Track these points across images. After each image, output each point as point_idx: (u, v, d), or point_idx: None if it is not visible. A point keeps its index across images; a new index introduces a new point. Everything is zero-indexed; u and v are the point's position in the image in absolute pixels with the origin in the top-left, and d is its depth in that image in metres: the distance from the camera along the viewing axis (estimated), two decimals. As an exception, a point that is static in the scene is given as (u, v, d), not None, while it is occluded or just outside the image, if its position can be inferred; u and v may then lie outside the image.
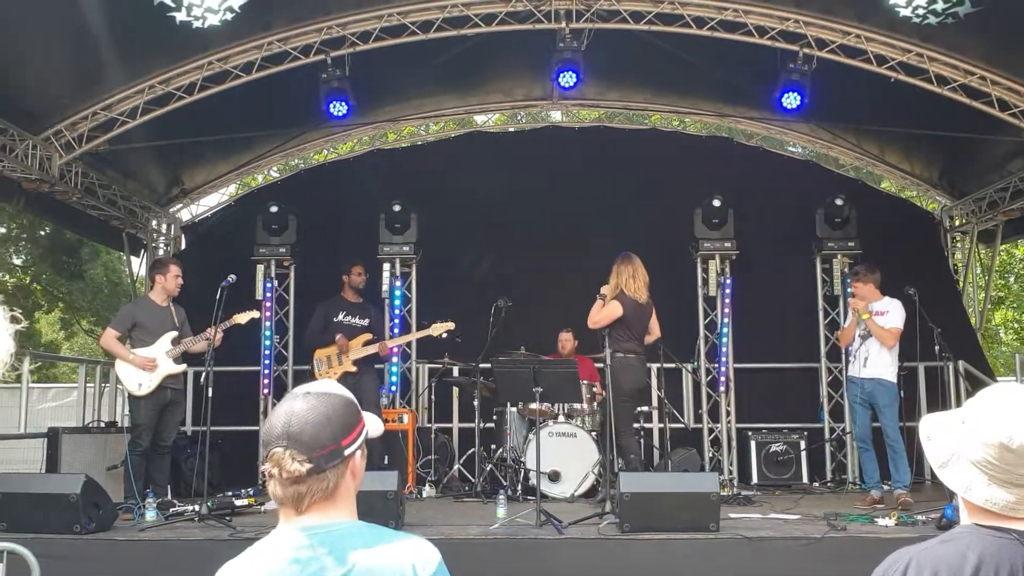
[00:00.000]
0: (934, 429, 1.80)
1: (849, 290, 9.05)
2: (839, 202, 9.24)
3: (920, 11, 7.39)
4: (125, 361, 6.87)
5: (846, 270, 9.36)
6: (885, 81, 8.11)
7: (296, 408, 1.72)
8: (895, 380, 7.02)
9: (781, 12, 8.05)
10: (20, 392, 8.06)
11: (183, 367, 7.11)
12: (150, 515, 6.12)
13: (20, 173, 8.09)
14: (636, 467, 7.01)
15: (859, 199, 9.70)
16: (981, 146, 9.48)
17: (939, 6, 7.26)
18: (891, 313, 7.07)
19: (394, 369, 9.25)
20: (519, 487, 7.54)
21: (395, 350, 8.99)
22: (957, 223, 10.81)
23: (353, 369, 7.86)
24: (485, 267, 10.20)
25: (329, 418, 1.72)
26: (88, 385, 8.97)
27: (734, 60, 8.79)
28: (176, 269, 7.17)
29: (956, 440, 1.73)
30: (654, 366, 9.11)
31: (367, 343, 8.00)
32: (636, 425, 8.36)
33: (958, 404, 8.84)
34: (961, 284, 10.72)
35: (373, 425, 1.87)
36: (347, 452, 1.73)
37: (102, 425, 8.61)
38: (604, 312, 6.91)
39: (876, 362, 7.02)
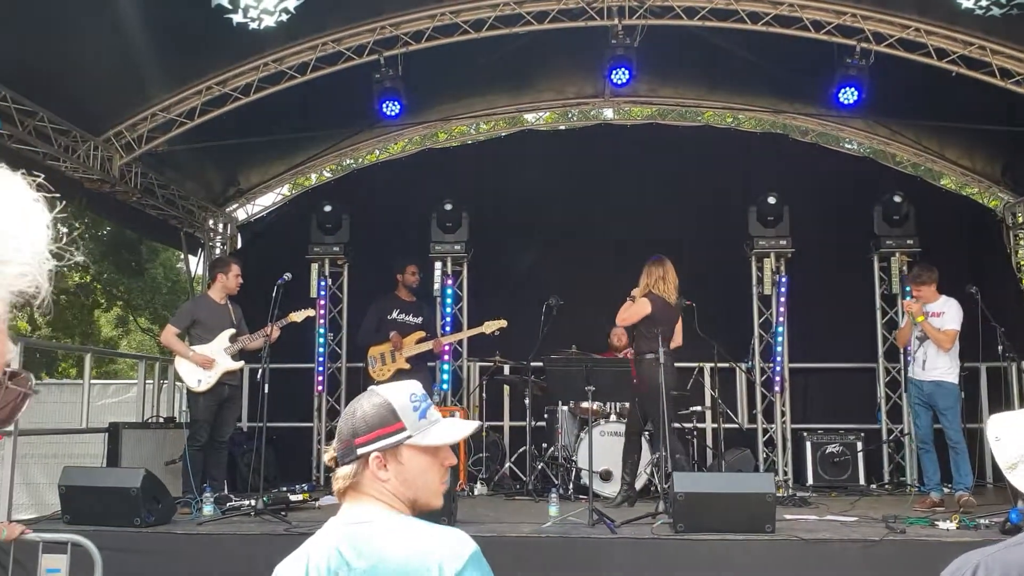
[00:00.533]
0: (1003, 429, 1.75)
1: (908, 288, 8.92)
2: (897, 199, 9.07)
3: (983, 2, 7.20)
4: (184, 358, 7.01)
5: (904, 268, 9.18)
6: (945, 75, 7.92)
7: (350, 404, 1.86)
8: (956, 381, 6.87)
9: (838, 6, 7.90)
10: (82, 388, 8.24)
11: (241, 364, 7.23)
12: (207, 509, 6.22)
13: (82, 173, 8.28)
14: (683, 466, 6.95)
15: (918, 196, 9.51)
16: (1047, 141, 9.23)
17: (1003, -3, 7.08)
18: (947, 314, 6.90)
19: (446, 367, 9.29)
20: (570, 486, 7.52)
21: (447, 348, 9.03)
22: (1021, 220, 10.53)
23: (406, 366, 7.91)
24: (536, 265, 10.18)
25: (355, 415, 1.81)
26: (147, 381, 9.16)
27: (789, 55, 8.66)
28: (237, 268, 7.31)
29: None
30: (707, 365, 9.05)
31: (420, 340, 8.05)
32: (688, 425, 8.31)
33: (1022, 405, 8.65)
34: (1024, 282, 10.45)
35: (448, 431, 1.85)
36: (359, 451, 1.78)
37: (161, 421, 8.78)
38: (633, 309, 6.86)
39: (935, 364, 6.88)
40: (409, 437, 1.79)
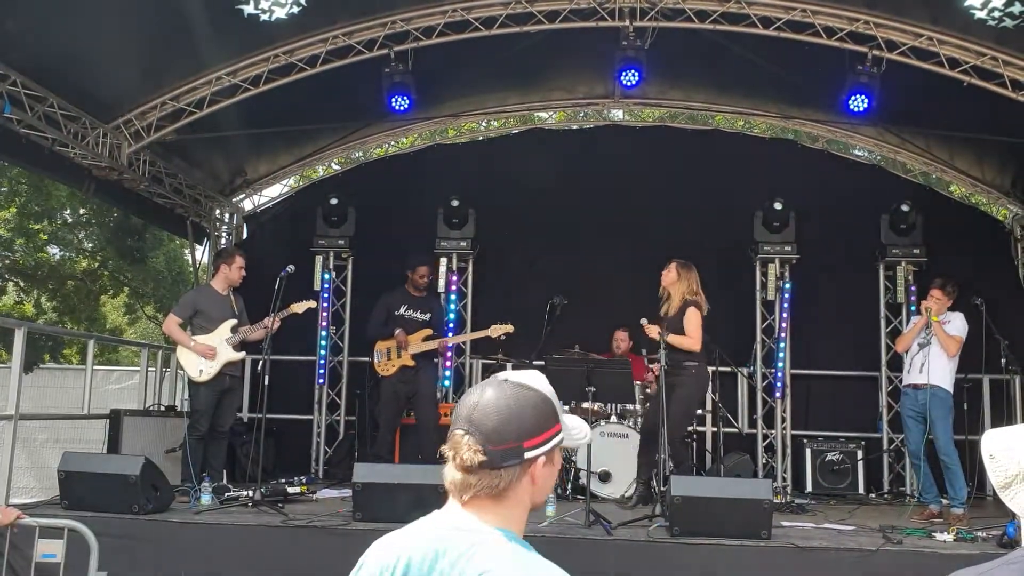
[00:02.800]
0: (997, 448, 1.75)
1: (913, 298, 8.89)
2: (905, 208, 9.05)
3: (996, 13, 7.18)
4: (186, 348, 7.04)
5: (910, 278, 9.17)
6: (957, 85, 7.89)
7: (488, 394, 1.64)
8: (951, 390, 6.85)
9: (851, 12, 7.88)
10: (85, 374, 8.27)
11: (242, 355, 7.25)
12: (205, 499, 6.24)
13: (91, 160, 8.30)
14: (688, 473, 6.94)
15: (926, 206, 9.49)
16: (1058, 154, 9.20)
17: (1016, 8, 7.04)
18: (953, 323, 6.92)
19: (447, 364, 9.29)
20: (569, 486, 7.52)
21: (450, 347, 9.04)
22: (1029, 232, 10.49)
23: (411, 363, 7.90)
24: (541, 264, 10.18)
25: (517, 413, 1.61)
26: (150, 369, 9.18)
27: (800, 61, 8.63)
28: (241, 260, 7.32)
29: (1020, 461, 1.68)
30: (709, 369, 9.03)
31: (427, 338, 8.03)
32: (688, 429, 8.31)
33: (1024, 419, 8.60)
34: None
35: (576, 432, 1.73)
36: (528, 455, 1.61)
37: (162, 409, 8.80)
38: (698, 322, 6.76)
39: (934, 367, 6.86)
40: (563, 438, 1.69)
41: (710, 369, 8.20)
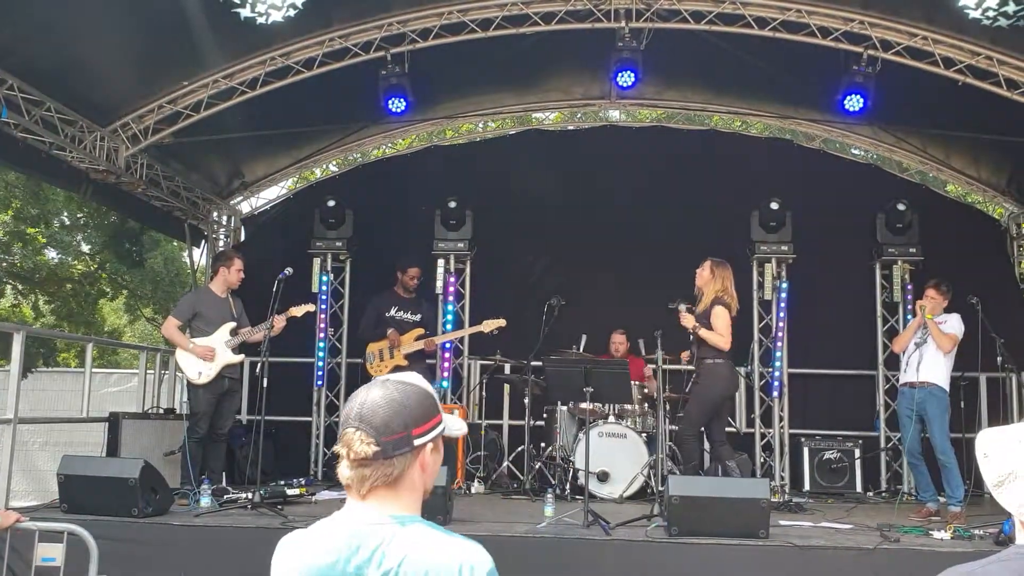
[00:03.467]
0: (991, 446, 1.76)
1: (910, 296, 8.92)
2: (901, 207, 9.06)
3: (990, 13, 7.20)
4: (185, 350, 7.04)
5: (906, 276, 9.18)
6: (952, 84, 7.92)
7: (373, 393, 1.76)
8: (947, 389, 6.87)
9: (846, 13, 7.91)
10: (83, 376, 8.28)
11: (241, 357, 7.26)
12: (205, 501, 6.25)
13: (88, 164, 8.31)
14: (697, 473, 6.95)
15: (922, 204, 9.50)
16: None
17: (1011, 8, 7.07)
18: (949, 323, 6.95)
19: (445, 365, 9.31)
20: (567, 486, 7.54)
21: (448, 347, 9.05)
22: (1025, 230, 10.53)
23: (404, 363, 7.94)
24: (539, 265, 10.19)
25: (403, 405, 1.74)
26: (148, 372, 9.18)
27: (796, 61, 8.65)
28: (240, 263, 7.32)
29: (1013, 459, 1.70)
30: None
31: (419, 338, 8.07)
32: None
33: (1021, 417, 8.64)
34: (1028, 294, 10.43)
35: (454, 424, 1.88)
36: (417, 442, 1.74)
37: (161, 411, 8.81)
38: (727, 320, 6.81)
39: (930, 365, 6.88)
40: (445, 428, 1.83)
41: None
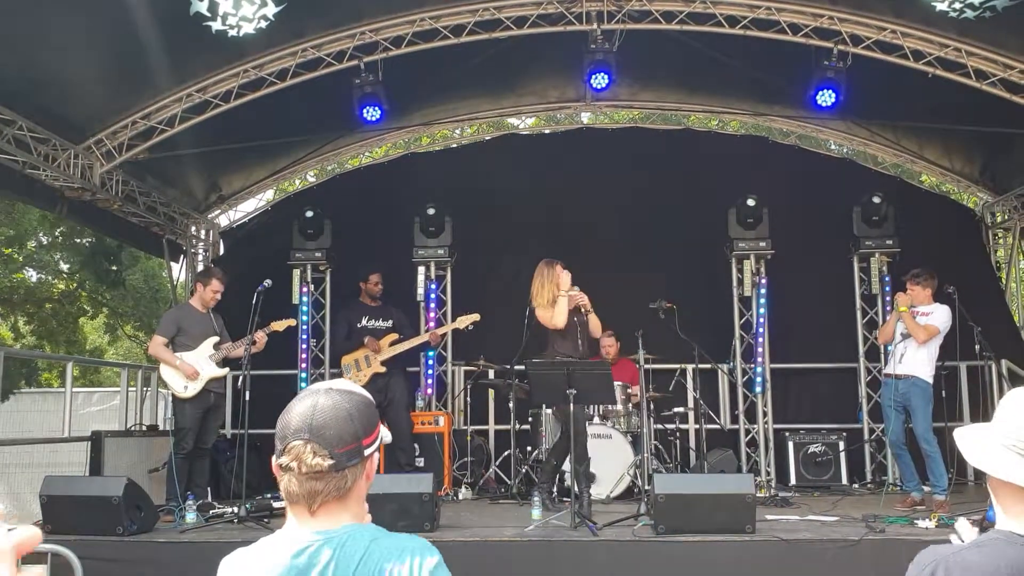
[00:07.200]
0: (965, 431, 1.80)
1: (888, 288, 8.98)
2: (876, 200, 9.13)
3: (957, 5, 7.28)
4: (172, 367, 6.97)
5: (884, 268, 9.25)
6: (923, 77, 8.00)
7: (320, 403, 1.69)
8: (930, 380, 6.90)
9: (815, 8, 7.97)
10: (64, 396, 8.21)
11: (225, 370, 7.21)
12: (190, 517, 6.21)
13: (62, 182, 8.25)
14: None
15: (897, 197, 9.59)
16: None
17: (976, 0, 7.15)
18: (935, 314, 6.95)
19: (429, 372, 9.30)
20: (554, 488, 7.53)
21: (432, 354, 9.05)
22: (999, 219, 10.63)
23: (382, 370, 7.94)
24: (519, 269, 10.17)
25: (352, 415, 1.68)
26: (130, 389, 9.13)
27: (768, 58, 8.72)
28: (218, 284, 7.18)
29: (989, 432, 1.74)
30: (689, 367, 9.08)
31: (394, 343, 8.08)
32: (671, 426, 8.37)
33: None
34: (1004, 282, 10.53)
35: (384, 432, 1.88)
36: (367, 452, 1.71)
37: (144, 429, 8.75)
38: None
39: (912, 358, 6.92)
40: (382, 435, 1.81)
41: (692, 367, 8.27)
